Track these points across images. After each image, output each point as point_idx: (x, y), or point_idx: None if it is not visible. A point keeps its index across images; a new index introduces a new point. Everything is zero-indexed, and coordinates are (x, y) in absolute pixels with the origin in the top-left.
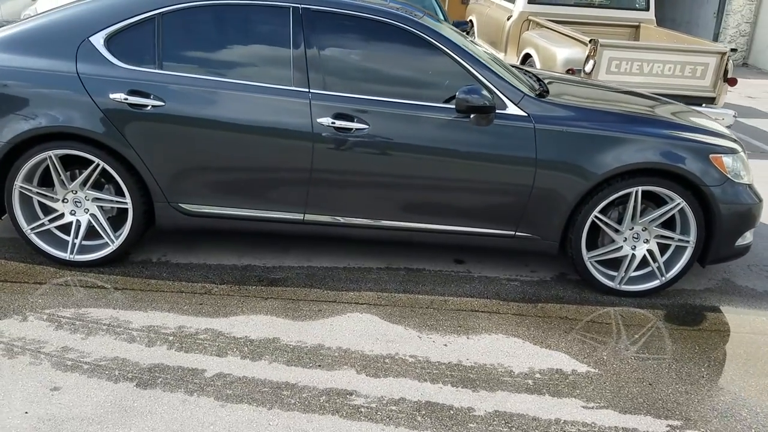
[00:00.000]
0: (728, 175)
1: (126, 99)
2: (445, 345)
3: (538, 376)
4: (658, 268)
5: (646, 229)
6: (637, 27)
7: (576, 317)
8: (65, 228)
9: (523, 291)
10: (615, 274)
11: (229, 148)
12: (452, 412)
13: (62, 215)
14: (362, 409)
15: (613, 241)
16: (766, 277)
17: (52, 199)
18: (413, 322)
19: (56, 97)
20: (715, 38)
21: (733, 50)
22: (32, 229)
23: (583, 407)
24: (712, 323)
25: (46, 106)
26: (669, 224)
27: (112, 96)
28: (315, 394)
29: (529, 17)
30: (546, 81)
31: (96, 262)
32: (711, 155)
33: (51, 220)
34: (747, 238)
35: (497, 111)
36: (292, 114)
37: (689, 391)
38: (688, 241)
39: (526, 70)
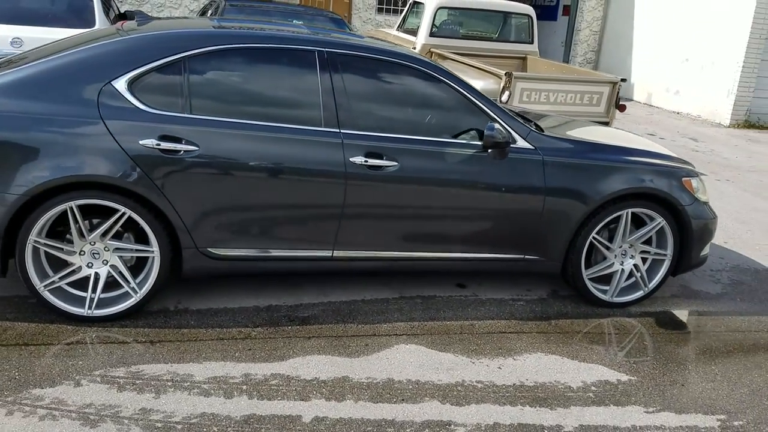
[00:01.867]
0: (695, 195)
1: (158, 145)
2: (500, 368)
3: (593, 389)
4: (641, 277)
5: (632, 246)
6: (524, 58)
7: (587, 330)
8: (76, 282)
9: (531, 310)
10: (605, 288)
11: (262, 189)
12: None
13: (79, 269)
14: None
15: (605, 258)
16: (711, 281)
17: (68, 252)
18: (458, 348)
19: (79, 145)
20: None
21: (623, 80)
22: (45, 286)
23: (646, 413)
24: (695, 325)
25: (67, 154)
26: (646, 241)
27: (142, 142)
28: (418, 428)
29: (431, 49)
30: (529, 116)
31: (115, 315)
32: (683, 179)
33: (65, 276)
34: (707, 249)
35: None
36: (326, 154)
37: (715, 388)
38: (665, 255)
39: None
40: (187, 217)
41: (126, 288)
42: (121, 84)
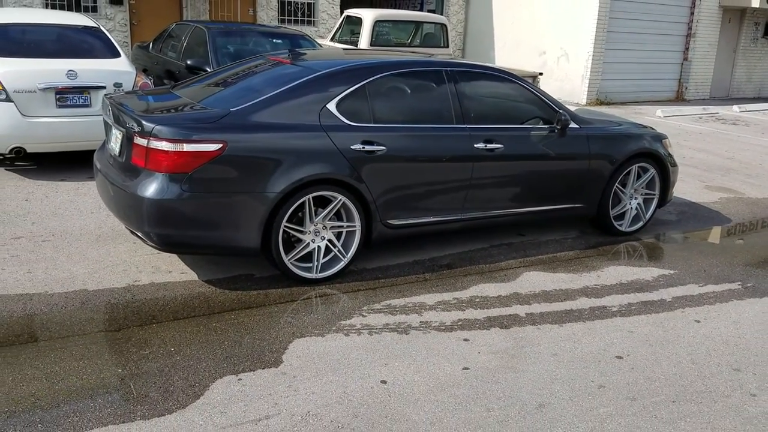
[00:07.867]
0: (669, 152)
1: (363, 148)
2: (599, 276)
3: (661, 280)
4: (642, 211)
5: (636, 190)
6: None
7: (624, 250)
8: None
9: (580, 243)
10: (621, 222)
11: (423, 173)
12: (666, 307)
13: (307, 245)
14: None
15: (620, 201)
16: (666, 213)
17: (302, 232)
18: (561, 270)
19: (314, 152)
20: None
21: (540, 74)
22: (289, 260)
23: (699, 287)
24: (683, 239)
25: (308, 160)
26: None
27: (352, 147)
28: (590, 312)
29: None
30: None
31: (331, 276)
32: (663, 140)
33: (300, 251)
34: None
35: None
36: (461, 144)
37: (724, 270)
38: (654, 194)
39: None
40: (377, 197)
41: (336, 254)
42: (332, 106)
